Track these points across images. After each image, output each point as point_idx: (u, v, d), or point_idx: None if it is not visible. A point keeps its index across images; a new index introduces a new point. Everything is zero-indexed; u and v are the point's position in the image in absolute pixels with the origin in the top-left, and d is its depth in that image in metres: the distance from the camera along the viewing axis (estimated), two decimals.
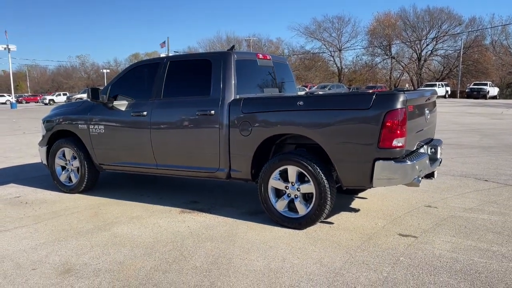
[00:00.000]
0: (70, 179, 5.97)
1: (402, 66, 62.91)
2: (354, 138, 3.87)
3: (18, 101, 55.41)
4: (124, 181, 6.62)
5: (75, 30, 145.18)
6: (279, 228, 4.29)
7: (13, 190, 6.18)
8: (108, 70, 73.95)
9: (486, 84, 43.77)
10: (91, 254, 3.71)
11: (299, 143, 4.53)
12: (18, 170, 7.69)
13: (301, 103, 4.12)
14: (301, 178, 4.25)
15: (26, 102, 61.59)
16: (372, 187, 3.96)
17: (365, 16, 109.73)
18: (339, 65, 67.75)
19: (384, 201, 5.25)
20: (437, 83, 47.89)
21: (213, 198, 5.53)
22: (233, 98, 4.60)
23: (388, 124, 3.71)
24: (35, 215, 4.90)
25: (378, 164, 3.79)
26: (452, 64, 58.71)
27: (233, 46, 4.96)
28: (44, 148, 6.14)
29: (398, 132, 3.73)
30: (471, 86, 44.66)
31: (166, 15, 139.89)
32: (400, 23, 61.78)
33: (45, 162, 6.21)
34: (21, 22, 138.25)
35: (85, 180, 5.77)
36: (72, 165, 5.89)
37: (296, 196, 4.26)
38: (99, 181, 6.25)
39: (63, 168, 6.02)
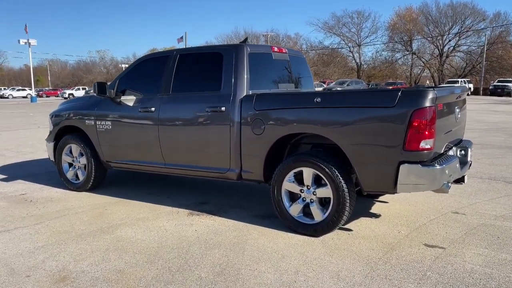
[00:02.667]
0: (77, 176, 5.76)
1: (423, 62, 61.60)
2: (377, 138, 3.52)
3: (38, 95, 56.19)
4: (133, 179, 6.39)
5: (95, 25, 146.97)
6: (293, 234, 3.97)
7: (20, 186, 6.01)
8: (127, 65, 74.38)
9: (511, 81, 42.39)
10: (90, 260, 3.45)
11: (315, 143, 4.20)
12: (28, 166, 7.55)
13: (318, 99, 3.79)
14: (317, 181, 3.92)
15: (47, 96, 62.42)
16: (396, 192, 3.61)
17: (385, 11, 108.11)
18: (358, 61, 66.83)
19: (407, 206, 4.87)
20: (459, 79, 46.68)
21: (224, 198, 5.24)
22: (245, 94, 4.29)
23: (415, 124, 3.35)
24: (38, 215, 4.70)
25: (404, 167, 3.43)
26: (475, 61, 57.19)
27: (246, 39, 4.66)
28: (51, 144, 5.94)
29: (426, 133, 3.37)
30: (495, 83, 43.36)
31: (184, 10, 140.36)
32: (422, 18, 60.52)
33: (52, 158, 6.01)
34: (42, 17, 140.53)
35: (92, 178, 5.56)
36: (79, 162, 5.68)
37: (312, 200, 3.93)
38: (107, 179, 6.03)
39: (70, 165, 5.82)
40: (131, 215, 4.65)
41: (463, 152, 4.25)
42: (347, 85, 36.07)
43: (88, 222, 4.41)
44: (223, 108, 4.31)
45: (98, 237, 3.97)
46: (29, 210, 4.89)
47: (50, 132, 5.98)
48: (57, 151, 5.83)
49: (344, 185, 3.71)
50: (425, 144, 3.39)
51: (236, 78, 4.32)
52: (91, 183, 5.58)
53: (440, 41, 59.69)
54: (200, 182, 6.06)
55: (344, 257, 3.46)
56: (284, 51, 5.06)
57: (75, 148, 5.68)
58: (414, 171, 3.41)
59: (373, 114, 3.53)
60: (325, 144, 4.03)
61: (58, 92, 62.90)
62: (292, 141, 4.27)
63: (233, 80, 4.33)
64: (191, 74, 4.82)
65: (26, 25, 43.05)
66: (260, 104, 4.13)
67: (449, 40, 59.53)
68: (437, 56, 60.28)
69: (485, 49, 50.73)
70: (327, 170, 3.74)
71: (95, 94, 5.23)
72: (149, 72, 5.18)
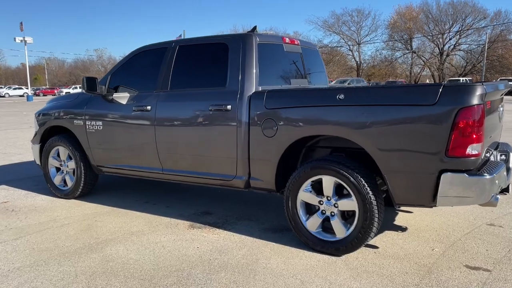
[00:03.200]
0: (65, 182, 5.20)
1: (423, 61, 61.05)
2: (413, 142, 2.98)
3: (35, 94, 55.56)
4: (128, 185, 5.83)
5: (93, 24, 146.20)
6: (311, 252, 3.43)
7: (2, 193, 5.45)
8: None
9: None
10: None
11: (336, 147, 3.65)
12: (14, 169, 6.99)
13: (341, 96, 3.24)
14: (339, 191, 3.38)
15: (44, 95, 61.56)
16: (434, 206, 3.06)
17: (385, 9, 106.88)
18: (357, 59, 66.22)
19: (434, 216, 4.33)
20: (461, 78, 46.20)
21: (229, 208, 4.69)
22: (254, 90, 3.74)
23: (461, 125, 2.81)
24: (18, 227, 4.14)
25: (446, 177, 2.89)
26: (476, 59, 56.69)
27: (255, 27, 4.09)
28: (37, 146, 5.39)
29: (474, 136, 2.83)
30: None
31: (183, 8, 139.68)
32: (422, 16, 59.94)
33: (38, 162, 5.46)
34: (39, 15, 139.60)
35: (82, 184, 5.00)
36: (68, 166, 5.12)
37: (332, 213, 3.39)
38: (100, 184, 5.48)
39: (58, 169, 5.26)
40: (124, 228, 4.10)
41: (503, 157, 3.70)
42: (348, 83, 35.52)
43: (74, 237, 3.86)
44: (228, 107, 3.76)
45: (84, 257, 3.42)
46: (9, 221, 4.33)
47: (36, 133, 5.42)
48: (44, 154, 5.28)
49: (372, 197, 3.17)
50: (471, 150, 2.85)
51: (244, 72, 3.78)
52: (80, 190, 5.03)
53: (441, 40, 59.19)
54: (203, 190, 5.51)
55: (374, 283, 2.92)
56: (296, 42, 4.51)
57: (63, 151, 5.12)
58: (458, 182, 2.87)
59: (409, 114, 2.98)
60: (348, 148, 3.49)
61: (55, 91, 62.15)
62: (308, 144, 3.73)
63: (240, 75, 3.78)
64: (192, 68, 4.27)
65: (21, 23, 42.36)
66: (272, 102, 3.58)
67: (450, 39, 59.03)
68: (437, 54, 59.74)
69: (486, 48, 50.20)
70: (352, 179, 3.20)
71: (83, 91, 4.67)
72: (145, 66, 4.63)
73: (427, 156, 2.94)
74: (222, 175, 3.94)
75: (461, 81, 41.69)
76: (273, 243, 3.65)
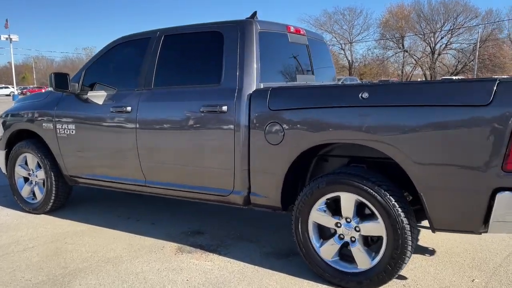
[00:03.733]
0: (34, 194, 4.51)
1: (415, 60, 60.86)
2: (460, 153, 2.36)
3: (22, 93, 54.34)
4: (109, 197, 5.13)
5: (82, 22, 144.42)
6: (326, 286, 2.80)
7: None
8: None
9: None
10: None
11: (353, 156, 3.02)
12: None
13: (365, 95, 2.61)
14: (360, 211, 2.75)
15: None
16: (484, 232, 2.45)
17: (377, 8, 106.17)
18: (349, 58, 65.84)
19: (461, 234, 3.72)
20: (454, 77, 46.02)
21: (225, 225, 4.04)
22: (255, 88, 3.11)
23: None
24: None
25: (503, 197, 2.27)
26: (467, 58, 56.67)
27: (255, 13, 3.44)
28: (3, 153, 4.69)
29: None
30: None
31: (174, 5, 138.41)
32: (414, 15, 59.70)
33: (4, 170, 4.77)
34: (25, 13, 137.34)
35: (53, 197, 4.32)
36: (37, 176, 4.43)
37: (353, 239, 2.76)
38: (77, 195, 4.81)
39: (26, 179, 4.57)
40: (99, 252, 3.43)
41: None
42: (342, 82, 35.11)
43: (37, 266, 3.18)
44: (224, 107, 3.12)
45: None
46: None
47: (1, 137, 4.72)
48: (10, 161, 4.59)
49: (405, 220, 2.55)
50: None
51: (243, 66, 3.14)
52: (51, 204, 4.34)
53: (432, 39, 59.06)
54: (194, 204, 4.83)
55: None
56: (302, 32, 3.88)
57: (31, 159, 4.43)
58: None
59: (454, 117, 2.36)
60: (369, 158, 2.87)
61: (43, 90, 60.98)
62: (320, 153, 3.10)
63: (238, 69, 3.14)
64: (180, 61, 3.62)
65: (6, 20, 41.24)
66: (278, 102, 2.95)
67: (441, 38, 58.93)
68: (429, 53, 59.60)
69: (478, 47, 50.13)
70: (379, 197, 2.58)
71: (52, 89, 3.99)
72: (125, 59, 4.00)
73: (478, 170, 2.32)
74: (216, 190, 3.30)
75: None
76: (279, 273, 3.01)
